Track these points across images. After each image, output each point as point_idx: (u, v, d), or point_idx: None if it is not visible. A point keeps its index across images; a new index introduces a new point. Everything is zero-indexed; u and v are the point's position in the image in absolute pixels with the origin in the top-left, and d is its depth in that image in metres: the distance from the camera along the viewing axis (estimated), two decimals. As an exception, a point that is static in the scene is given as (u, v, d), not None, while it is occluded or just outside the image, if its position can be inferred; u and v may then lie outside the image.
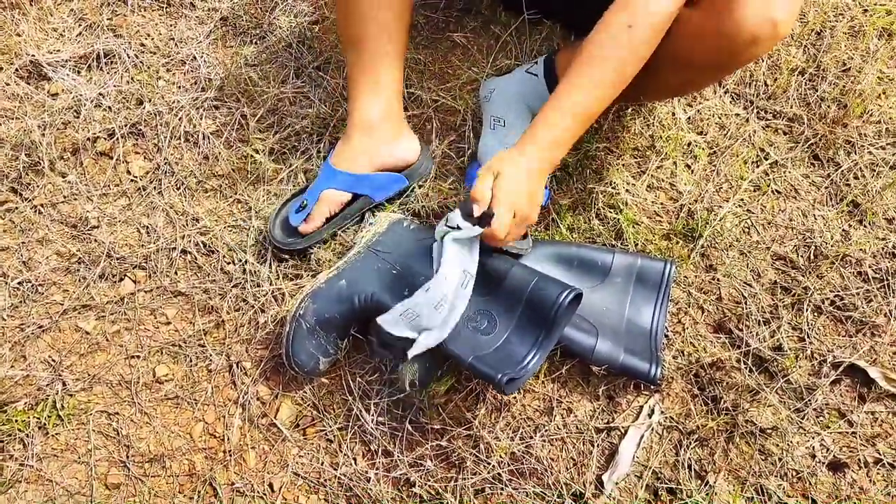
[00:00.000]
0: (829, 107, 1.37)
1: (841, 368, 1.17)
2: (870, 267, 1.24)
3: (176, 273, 1.23)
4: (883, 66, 1.41)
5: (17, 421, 1.11)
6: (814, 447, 1.13)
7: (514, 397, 1.15)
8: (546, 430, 1.13)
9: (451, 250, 1.04)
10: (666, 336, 1.20)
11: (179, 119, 1.34)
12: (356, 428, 1.13)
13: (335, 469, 1.12)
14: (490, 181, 0.99)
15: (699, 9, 0.95)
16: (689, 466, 1.12)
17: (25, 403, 1.13)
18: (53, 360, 1.17)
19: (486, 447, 1.12)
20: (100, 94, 1.36)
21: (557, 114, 1.00)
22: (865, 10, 1.47)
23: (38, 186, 1.29)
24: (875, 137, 1.35)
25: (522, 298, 1.06)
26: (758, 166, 1.34)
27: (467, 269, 1.07)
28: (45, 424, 1.12)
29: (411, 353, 1.03)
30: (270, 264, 1.23)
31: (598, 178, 1.30)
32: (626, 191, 1.29)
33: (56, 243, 1.25)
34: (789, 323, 1.21)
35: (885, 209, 1.29)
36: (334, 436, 1.13)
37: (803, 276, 1.24)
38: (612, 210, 1.28)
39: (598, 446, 1.13)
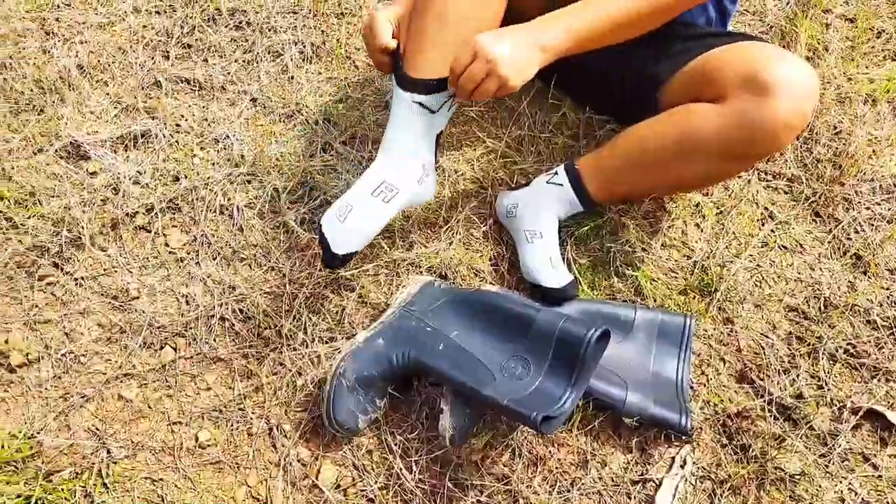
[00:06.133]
0: (825, 167, 1.46)
1: (860, 414, 1.22)
2: (878, 315, 1.31)
3: (215, 340, 1.27)
4: (871, 128, 1.51)
5: (63, 490, 1.12)
6: (842, 491, 1.16)
7: (549, 451, 1.18)
8: (582, 484, 1.16)
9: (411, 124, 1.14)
10: (691, 388, 1.25)
11: (214, 193, 1.40)
12: (396, 486, 1.15)
13: (377, 529, 1.13)
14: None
15: (729, 105, 1.05)
16: (724, 514, 1.15)
17: (71, 472, 1.15)
18: (97, 429, 1.19)
19: (526, 502, 1.14)
20: (137, 171, 1.42)
21: (563, 12, 1.07)
22: (850, 79, 1.58)
23: (78, 261, 1.34)
24: (870, 194, 1.44)
25: (552, 340, 1.11)
26: (763, 224, 1.42)
27: (425, 161, 1.17)
28: (90, 493, 1.13)
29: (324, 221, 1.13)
30: (306, 328, 1.27)
31: (615, 239, 1.37)
32: (643, 249, 1.36)
33: (98, 314, 1.29)
34: (807, 371, 1.26)
35: (887, 260, 1.37)
36: (375, 495, 1.15)
37: (816, 325, 1.30)
38: (629, 268, 1.34)
39: (634, 498, 1.15)
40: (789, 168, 1.47)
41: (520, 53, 1.03)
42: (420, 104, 1.13)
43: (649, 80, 1.23)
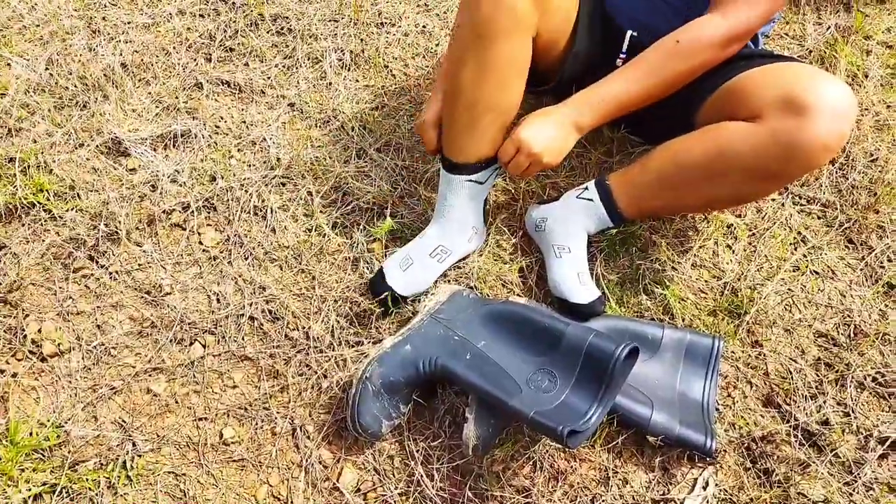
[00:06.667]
0: (860, 194, 1.45)
1: (888, 443, 1.20)
2: (909, 345, 1.29)
3: (243, 338, 1.29)
4: (908, 157, 1.50)
5: (87, 480, 1.14)
6: (867, 522, 1.15)
7: (571, 466, 1.18)
8: (603, 500, 1.15)
9: (462, 198, 1.28)
10: (717, 409, 1.24)
11: (249, 195, 1.42)
12: (416, 493, 1.16)
13: (396, 534, 1.13)
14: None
15: (765, 124, 1.05)
16: (746, 539, 1.13)
17: (95, 463, 1.16)
18: (124, 421, 1.21)
19: (545, 515, 1.14)
20: (175, 170, 1.45)
21: (592, 92, 1.18)
22: (888, 106, 1.57)
23: (114, 255, 1.36)
24: (906, 223, 1.42)
25: (580, 355, 1.11)
26: (796, 248, 1.40)
27: (475, 224, 1.32)
28: (114, 484, 1.14)
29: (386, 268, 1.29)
30: (333, 332, 1.28)
31: (644, 256, 1.37)
32: (673, 268, 1.35)
33: (130, 308, 1.31)
34: (834, 398, 1.25)
35: (921, 290, 1.35)
36: (395, 500, 1.15)
37: (845, 352, 1.28)
38: (658, 286, 1.34)
39: (654, 517, 1.15)
40: (824, 193, 1.46)
41: (557, 138, 1.18)
42: (468, 181, 1.26)
43: (685, 101, 1.23)
